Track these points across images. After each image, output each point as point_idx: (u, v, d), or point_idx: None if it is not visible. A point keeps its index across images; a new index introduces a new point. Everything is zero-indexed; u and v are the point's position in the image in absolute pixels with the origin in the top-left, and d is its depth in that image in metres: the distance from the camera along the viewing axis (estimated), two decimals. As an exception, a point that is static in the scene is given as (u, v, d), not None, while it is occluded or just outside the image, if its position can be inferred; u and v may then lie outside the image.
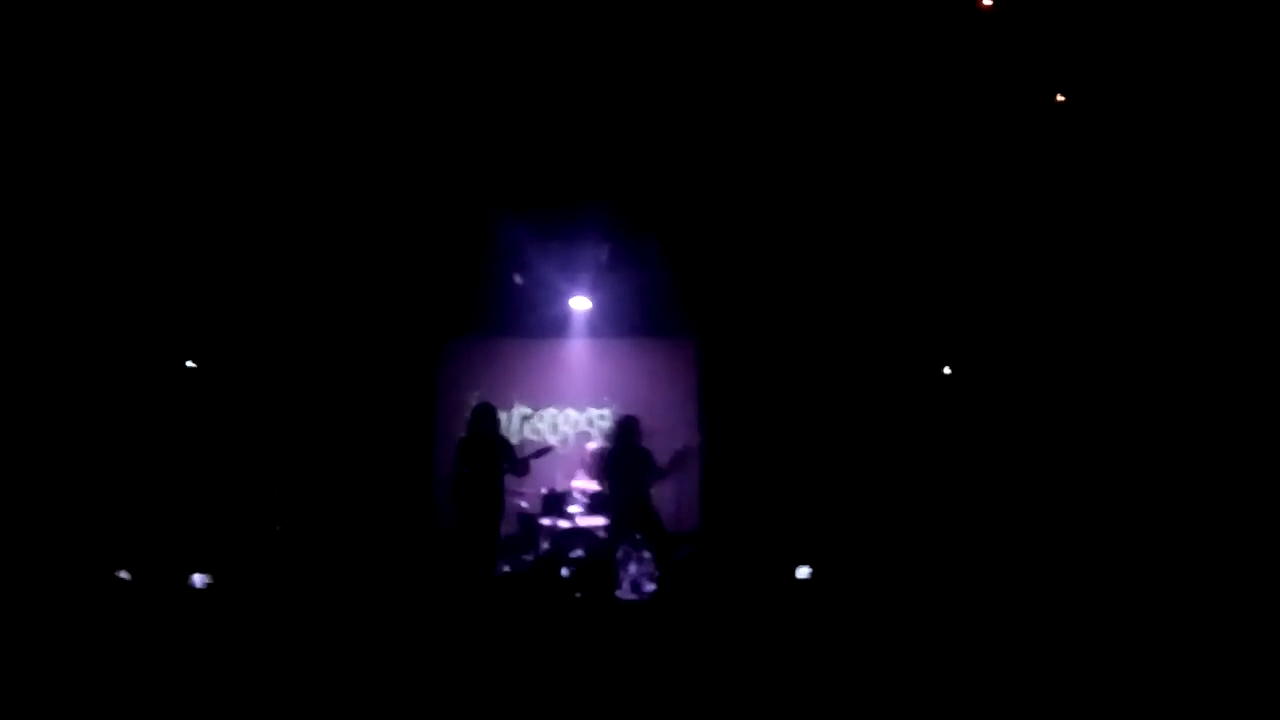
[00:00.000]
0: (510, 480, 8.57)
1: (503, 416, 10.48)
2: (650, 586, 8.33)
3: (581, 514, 8.95)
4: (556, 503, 9.11)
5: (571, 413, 10.69)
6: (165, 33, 6.94)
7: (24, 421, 8.11)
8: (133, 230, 8.57)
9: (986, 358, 9.46)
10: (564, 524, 8.92)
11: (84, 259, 8.45)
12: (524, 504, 9.32)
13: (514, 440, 9.75)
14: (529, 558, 9.00)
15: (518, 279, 10.02)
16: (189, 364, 9.44)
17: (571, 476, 9.53)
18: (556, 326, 10.59)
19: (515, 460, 8.21)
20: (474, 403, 8.65)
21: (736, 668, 5.39)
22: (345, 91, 7.53)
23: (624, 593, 8.27)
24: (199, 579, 7.50)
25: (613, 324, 10.55)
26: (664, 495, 8.67)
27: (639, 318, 10.55)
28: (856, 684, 4.94)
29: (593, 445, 9.64)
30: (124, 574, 7.55)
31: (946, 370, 9.70)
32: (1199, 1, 6.92)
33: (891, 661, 5.31)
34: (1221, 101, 7.25)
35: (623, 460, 8.16)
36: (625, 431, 8.26)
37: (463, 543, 8.00)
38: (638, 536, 8.37)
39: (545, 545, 8.93)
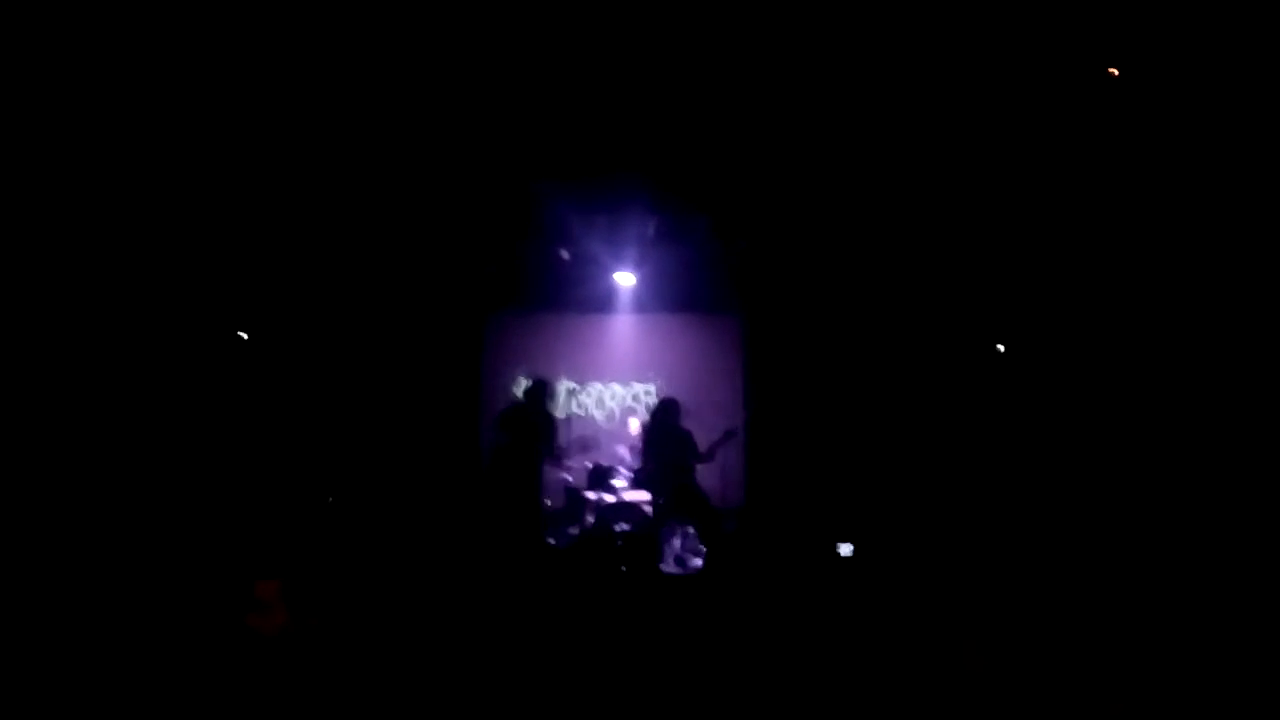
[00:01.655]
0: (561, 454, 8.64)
1: (547, 391, 10.59)
2: (695, 561, 8.37)
3: (626, 488, 9.00)
4: (602, 477, 9.16)
5: (617, 388, 10.73)
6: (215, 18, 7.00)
7: (75, 400, 8.29)
8: (188, 215, 8.71)
9: (1035, 340, 9.35)
10: (609, 498, 8.97)
11: (144, 247, 8.62)
12: (569, 478, 9.40)
13: (560, 415, 9.84)
14: (574, 531, 9.08)
15: (564, 254, 10.05)
16: (241, 335, 9.58)
17: (616, 452, 9.60)
18: (602, 301, 10.62)
19: (554, 444, 8.20)
20: (519, 377, 8.67)
21: (779, 642, 5.41)
22: (389, 67, 7.56)
23: (668, 567, 8.32)
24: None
25: (658, 299, 10.57)
26: (709, 471, 8.68)
27: (684, 293, 10.56)
28: (896, 660, 4.95)
29: (635, 423, 9.67)
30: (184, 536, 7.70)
31: (1000, 348, 9.59)
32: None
33: (931, 639, 5.31)
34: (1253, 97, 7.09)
35: (662, 442, 8.13)
36: (665, 413, 8.22)
37: (501, 517, 8.02)
38: (683, 513, 8.39)
39: (590, 519, 8.99)
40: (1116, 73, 7.66)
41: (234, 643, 5.32)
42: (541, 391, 8.24)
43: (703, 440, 8.31)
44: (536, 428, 8.07)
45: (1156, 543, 6.98)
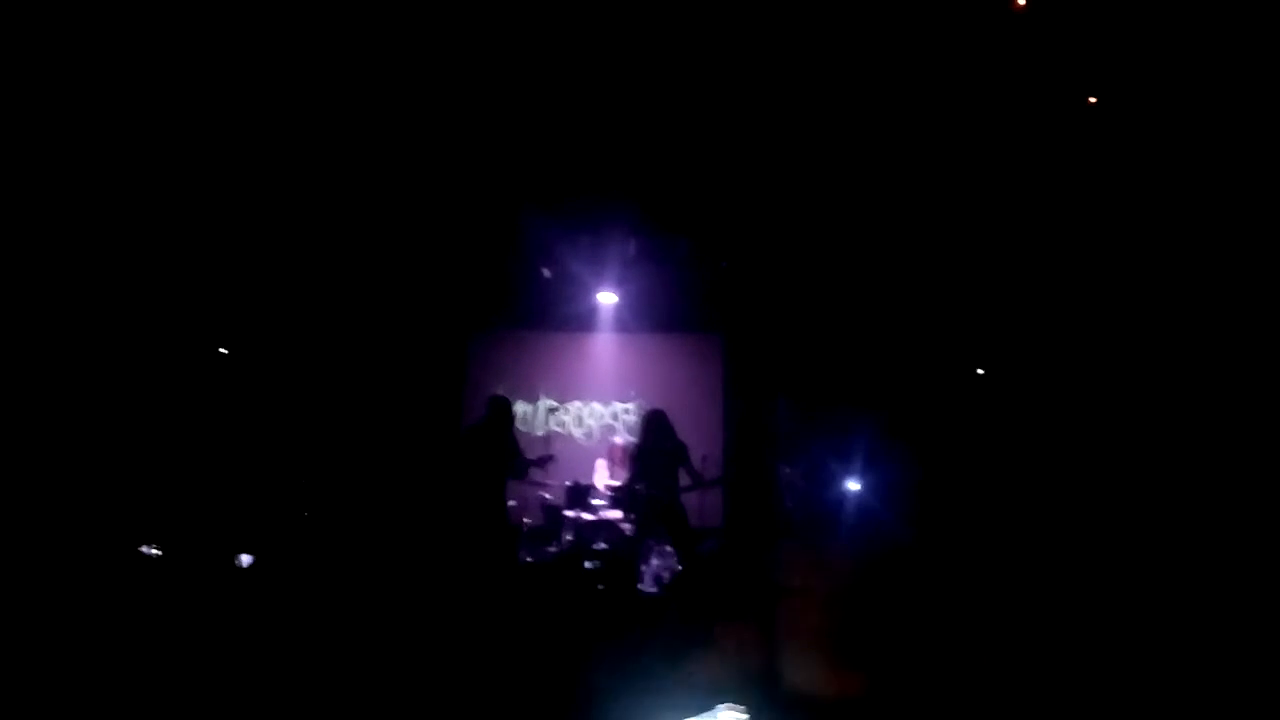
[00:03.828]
0: (533, 472, 8.63)
1: (529, 409, 10.60)
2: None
3: (605, 507, 9.01)
4: (581, 495, 9.17)
5: (597, 406, 10.76)
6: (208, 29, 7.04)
7: (63, 407, 8.26)
8: (181, 228, 8.74)
9: (1017, 359, 9.42)
10: (588, 516, 8.98)
11: (131, 255, 8.62)
12: (548, 496, 9.40)
13: (539, 432, 9.86)
14: (553, 549, 9.07)
15: (546, 273, 10.09)
16: (221, 350, 9.57)
17: (595, 470, 9.60)
18: (584, 320, 10.66)
19: (520, 465, 8.20)
20: (500, 393, 8.59)
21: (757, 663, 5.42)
22: (377, 89, 7.61)
23: (646, 586, 8.32)
24: (245, 559, 7.60)
25: (639, 319, 10.61)
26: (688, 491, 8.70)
27: (665, 313, 10.61)
28: (878, 681, 4.97)
29: (620, 440, 9.69)
30: (152, 550, 7.69)
31: (979, 371, 9.67)
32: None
33: (911, 660, 5.33)
34: (1244, 103, 7.19)
35: (654, 454, 8.13)
36: (657, 425, 8.22)
37: (471, 537, 7.98)
38: (661, 530, 8.39)
39: (569, 537, 8.99)
40: (1094, 100, 7.77)
41: (213, 645, 5.30)
42: (503, 410, 8.22)
43: (695, 460, 8.33)
44: (500, 448, 8.04)
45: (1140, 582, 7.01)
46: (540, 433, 10.11)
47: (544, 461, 8.52)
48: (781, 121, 8.04)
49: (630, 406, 10.63)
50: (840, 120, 8.04)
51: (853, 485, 9.23)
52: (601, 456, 9.72)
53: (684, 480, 8.23)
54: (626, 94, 7.58)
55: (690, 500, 8.85)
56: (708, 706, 2.17)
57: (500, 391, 9.01)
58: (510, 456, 8.06)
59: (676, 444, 8.17)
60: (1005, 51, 7.23)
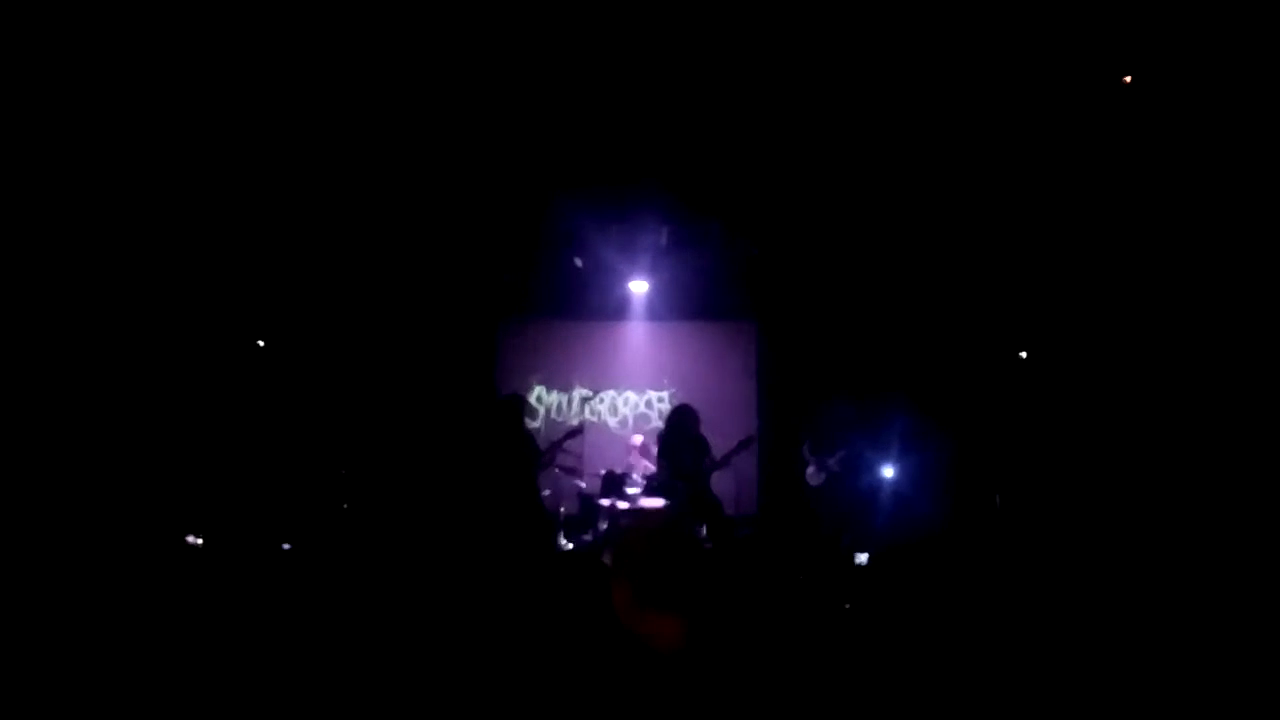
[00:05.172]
0: (568, 460, 8.67)
1: (562, 398, 10.63)
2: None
3: (640, 495, 9.03)
4: (615, 483, 9.19)
5: (630, 395, 10.77)
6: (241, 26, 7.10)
7: (102, 398, 8.40)
8: (207, 222, 8.84)
9: (1054, 346, 9.32)
10: (622, 505, 9.00)
11: (166, 250, 8.74)
12: (583, 484, 9.43)
13: (574, 422, 9.89)
14: (588, 538, 9.11)
15: (578, 261, 10.09)
16: (259, 343, 9.67)
17: (628, 458, 9.63)
18: (616, 308, 10.67)
19: (544, 453, 8.23)
20: (533, 382, 8.58)
21: (790, 649, 5.41)
22: (407, 77, 7.63)
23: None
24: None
25: (671, 306, 10.61)
26: (722, 478, 8.69)
27: (698, 300, 10.60)
28: (909, 671, 4.95)
29: (639, 437, 9.73)
30: (194, 539, 7.81)
31: (1022, 355, 9.57)
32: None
33: (944, 649, 5.29)
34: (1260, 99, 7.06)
35: (677, 448, 8.14)
36: (680, 420, 8.23)
37: (506, 528, 8.01)
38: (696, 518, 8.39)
39: (604, 525, 9.02)
40: (1129, 80, 7.64)
41: (238, 643, 5.37)
42: (515, 407, 8.24)
43: (718, 447, 8.32)
44: (517, 443, 8.06)
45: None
46: (574, 422, 10.12)
47: (573, 435, 8.54)
48: (813, 105, 7.97)
49: (664, 394, 10.63)
50: (875, 103, 7.96)
51: (887, 472, 9.19)
52: (632, 447, 9.76)
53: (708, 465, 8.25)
54: (655, 79, 7.54)
55: (727, 489, 8.85)
56: None
57: (537, 379, 9.03)
58: (530, 450, 8.07)
59: (699, 438, 8.17)
60: (1054, 36, 7.11)
